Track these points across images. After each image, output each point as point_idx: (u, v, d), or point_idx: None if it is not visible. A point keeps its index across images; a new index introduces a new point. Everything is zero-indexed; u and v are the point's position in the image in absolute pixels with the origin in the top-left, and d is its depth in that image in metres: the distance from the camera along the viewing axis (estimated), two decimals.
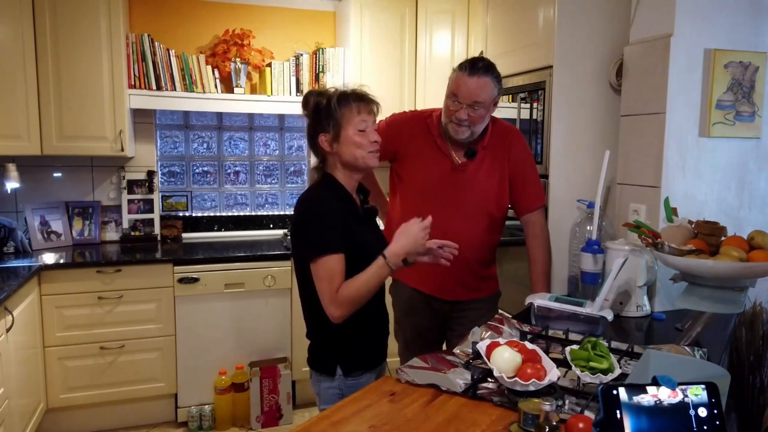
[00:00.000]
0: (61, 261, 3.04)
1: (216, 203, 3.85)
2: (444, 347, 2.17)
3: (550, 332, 1.68)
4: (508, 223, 2.29)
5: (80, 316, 2.97)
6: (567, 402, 1.28)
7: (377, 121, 1.67)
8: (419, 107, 3.50)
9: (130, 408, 3.16)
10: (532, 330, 1.70)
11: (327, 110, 1.59)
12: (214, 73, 3.44)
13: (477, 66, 1.88)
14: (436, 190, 2.00)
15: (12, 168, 3.19)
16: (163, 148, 3.71)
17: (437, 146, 2.02)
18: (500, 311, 2.00)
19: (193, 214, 3.77)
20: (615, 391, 1.00)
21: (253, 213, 3.91)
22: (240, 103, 3.47)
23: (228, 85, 3.52)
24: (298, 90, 3.59)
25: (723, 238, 1.60)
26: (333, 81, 3.62)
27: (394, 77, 3.55)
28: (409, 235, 1.58)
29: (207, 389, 3.20)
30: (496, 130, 2.05)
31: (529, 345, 1.40)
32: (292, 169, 4.01)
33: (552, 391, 1.30)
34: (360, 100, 1.61)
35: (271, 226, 3.90)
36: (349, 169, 1.64)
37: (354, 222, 1.62)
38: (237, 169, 3.88)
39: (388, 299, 1.88)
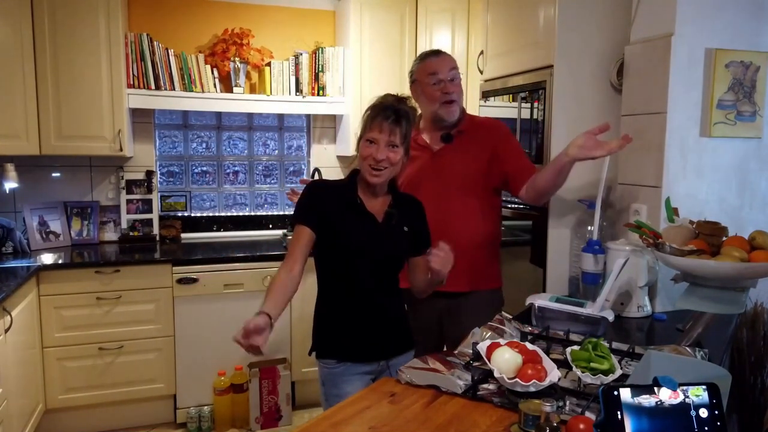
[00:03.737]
0: (60, 261, 3.03)
1: (215, 203, 3.85)
2: (444, 346, 2.16)
3: (551, 333, 1.67)
4: (508, 223, 2.28)
5: (79, 316, 2.96)
6: (568, 403, 1.27)
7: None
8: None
9: (129, 409, 3.15)
10: (532, 331, 1.69)
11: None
12: (213, 73, 3.44)
13: (436, 50, 2.14)
14: (419, 178, 2.07)
15: (10, 168, 3.18)
16: (162, 147, 3.70)
17: (416, 143, 2.08)
18: (501, 312, 1.99)
19: (192, 215, 3.76)
20: (616, 392, 1.00)
21: (253, 213, 3.91)
22: (239, 102, 3.46)
23: (227, 85, 3.51)
24: (298, 90, 3.58)
25: (724, 239, 1.59)
26: (332, 80, 3.61)
27: (394, 77, 3.54)
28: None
29: (206, 390, 3.19)
30: (474, 120, 2.17)
31: (529, 346, 1.39)
32: (291, 169, 4.00)
33: (553, 392, 1.29)
34: (377, 115, 1.66)
35: (271, 226, 3.89)
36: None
37: (346, 209, 1.69)
38: (236, 169, 3.88)
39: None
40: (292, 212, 3.89)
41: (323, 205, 1.69)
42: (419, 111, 2.15)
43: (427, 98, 2.07)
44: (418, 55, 2.20)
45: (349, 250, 1.69)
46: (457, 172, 2.08)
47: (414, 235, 1.79)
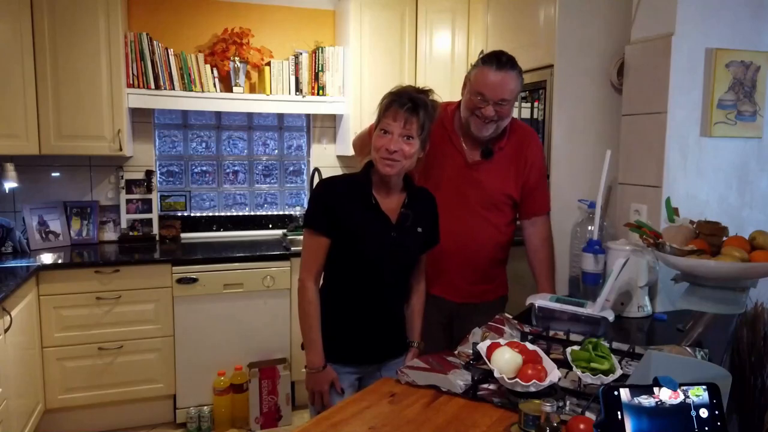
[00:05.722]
0: (59, 261, 3.03)
1: (215, 203, 3.85)
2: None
3: (551, 333, 1.67)
4: None
5: (78, 316, 2.96)
6: (568, 403, 1.27)
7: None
8: None
9: (129, 409, 3.15)
10: (532, 331, 1.69)
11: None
12: (212, 72, 3.43)
13: (502, 60, 1.84)
14: (448, 186, 1.97)
15: (10, 168, 3.18)
16: (162, 147, 3.70)
17: (451, 141, 1.98)
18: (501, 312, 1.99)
19: (192, 214, 3.76)
20: (616, 392, 1.00)
21: (252, 213, 3.90)
22: (239, 102, 3.46)
23: (227, 84, 3.51)
24: (297, 89, 3.58)
25: (724, 239, 1.59)
26: (332, 80, 3.61)
27: (394, 76, 3.53)
28: (312, 383, 1.71)
29: (206, 390, 3.19)
30: (514, 130, 2.01)
31: (529, 346, 1.39)
32: (291, 168, 4.00)
33: (553, 392, 1.29)
34: (392, 103, 1.57)
35: (270, 226, 3.89)
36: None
37: (360, 209, 1.63)
38: (236, 168, 3.88)
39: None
40: (292, 212, 3.92)
41: (337, 206, 1.62)
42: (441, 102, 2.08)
43: (464, 102, 1.93)
44: (483, 54, 1.92)
45: (364, 256, 1.64)
46: (490, 190, 1.98)
47: (425, 234, 1.75)
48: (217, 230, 3.78)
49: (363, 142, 2.08)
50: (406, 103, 1.56)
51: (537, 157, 2.04)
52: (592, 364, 1.33)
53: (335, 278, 1.72)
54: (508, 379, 1.27)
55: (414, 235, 1.71)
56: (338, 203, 1.62)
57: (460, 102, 1.99)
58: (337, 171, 3.89)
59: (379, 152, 1.58)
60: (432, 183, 1.96)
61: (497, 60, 1.84)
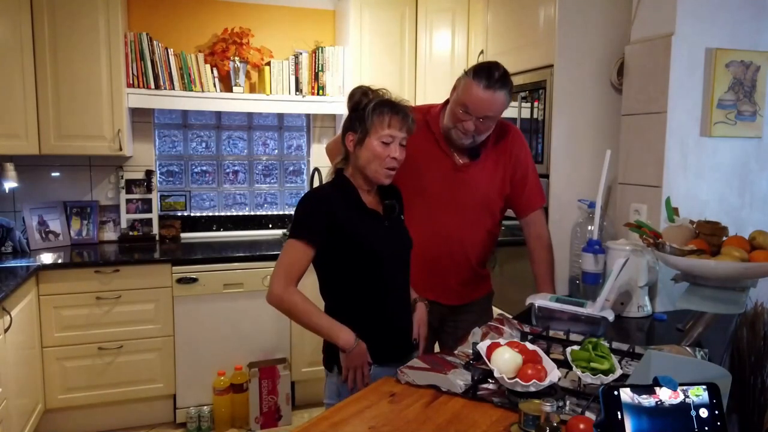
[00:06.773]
0: (59, 261, 3.03)
1: (215, 203, 3.85)
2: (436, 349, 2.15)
3: (551, 333, 1.67)
4: (507, 222, 2.27)
5: (78, 316, 2.96)
6: (568, 403, 1.27)
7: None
8: None
9: (129, 409, 3.15)
10: (532, 330, 1.69)
11: (362, 113, 1.60)
12: (212, 72, 3.44)
13: (493, 77, 1.78)
14: (437, 191, 1.96)
15: (10, 167, 3.18)
16: (162, 147, 3.70)
17: (438, 145, 1.97)
18: (501, 312, 1.99)
19: (192, 214, 3.76)
20: (616, 392, 0.99)
21: (252, 213, 3.91)
22: (239, 102, 3.46)
23: (227, 84, 3.51)
24: (297, 89, 3.58)
25: (724, 238, 1.59)
26: (332, 80, 3.61)
27: (394, 76, 3.54)
28: (352, 361, 1.60)
29: (206, 390, 3.19)
30: (496, 128, 2.00)
31: (529, 346, 1.39)
32: (291, 168, 4.00)
33: (553, 392, 1.29)
34: (395, 113, 1.59)
35: (270, 225, 3.89)
36: (360, 174, 1.65)
37: (357, 214, 1.62)
38: (236, 168, 3.88)
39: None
40: (292, 212, 3.91)
41: (333, 217, 1.59)
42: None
43: (449, 110, 1.91)
44: (474, 65, 1.86)
45: (371, 253, 1.63)
46: (479, 191, 1.97)
47: (403, 219, 1.78)
48: (217, 230, 3.79)
49: (339, 149, 2.09)
50: (400, 110, 1.60)
51: (521, 150, 2.03)
52: (592, 364, 1.33)
53: (347, 290, 1.67)
54: (508, 379, 1.27)
55: (400, 222, 1.76)
56: (333, 214, 1.60)
57: (446, 103, 1.97)
58: None
59: (384, 162, 1.59)
60: (421, 188, 1.95)
61: (488, 76, 1.78)
